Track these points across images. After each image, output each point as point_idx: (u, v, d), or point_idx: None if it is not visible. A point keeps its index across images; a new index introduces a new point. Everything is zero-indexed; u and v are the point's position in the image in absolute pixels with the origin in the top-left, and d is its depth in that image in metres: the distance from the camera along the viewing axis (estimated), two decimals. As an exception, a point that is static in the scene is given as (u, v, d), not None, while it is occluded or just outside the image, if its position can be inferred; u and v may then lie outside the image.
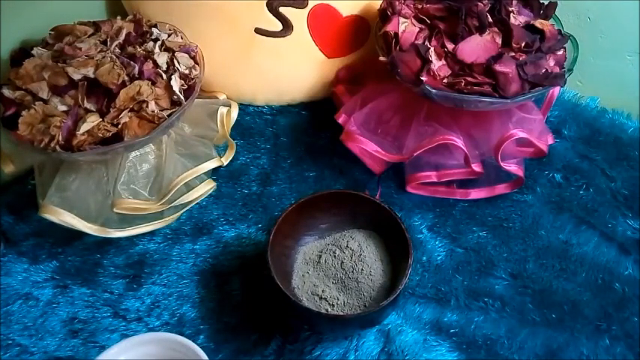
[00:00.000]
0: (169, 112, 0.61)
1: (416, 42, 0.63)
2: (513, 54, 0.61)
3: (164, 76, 0.62)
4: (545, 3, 0.67)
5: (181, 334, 0.55)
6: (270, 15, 0.75)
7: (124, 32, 0.64)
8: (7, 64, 0.63)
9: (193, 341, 0.49)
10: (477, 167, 0.65)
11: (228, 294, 0.62)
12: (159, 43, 0.65)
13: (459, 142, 0.63)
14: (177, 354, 0.50)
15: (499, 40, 0.62)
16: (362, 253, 0.58)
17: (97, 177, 0.63)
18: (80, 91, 0.58)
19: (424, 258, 0.65)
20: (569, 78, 0.62)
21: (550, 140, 0.67)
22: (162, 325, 0.60)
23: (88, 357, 0.58)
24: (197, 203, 0.69)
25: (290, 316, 0.59)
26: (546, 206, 0.69)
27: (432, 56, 0.61)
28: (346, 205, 0.60)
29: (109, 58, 0.60)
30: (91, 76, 0.58)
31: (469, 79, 0.59)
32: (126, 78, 0.59)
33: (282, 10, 0.74)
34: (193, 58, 0.66)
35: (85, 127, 0.56)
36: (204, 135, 0.70)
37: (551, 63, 0.63)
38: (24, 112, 0.57)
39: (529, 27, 0.63)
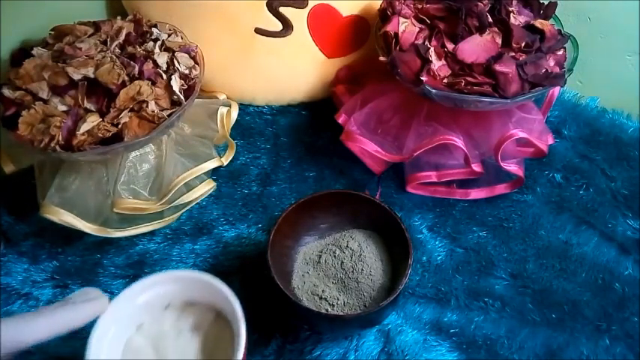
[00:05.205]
0: (169, 112, 0.61)
1: (416, 42, 0.63)
2: (513, 54, 0.61)
3: (164, 76, 0.62)
4: (545, 3, 0.67)
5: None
6: (270, 15, 0.75)
7: (124, 32, 0.64)
8: (7, 64, 0.63)
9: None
10: (477, 167, 0.65)
11: (228, 294, 0.62)
12: (159, 43, 0.65)
13: (459, 142, 0.63)
14: (200, 292, 0.50)
15: (499, 40, 0.62)
16: (362, 253, 0.58)
17: (97, 177, 0.63)
18: (80, 91, 0.58)
19: (424, 258, 0.65)
20: (569, 78, 0.62)
21: (550, 140, 0.68)
22: (163, 325, 0.60)
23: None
24: (197, 203, 0.69)
25: (290, 316, 0.59)
26: (546, 206, 0.69)
27: (432, 56, 0.61)
28: (346, 205, 0.60)
29: (109, 58, 0.60)
30: (91, 76, 0.58)
31: (469, 79, 0.59)
32: (126, 78, 0.59)
33: (282, 10, 0.74)
34: (193, 58, 0.66)
35: (85, 127, 0.56)
36: (204, 135, 0.70)
37: (551, 63, 0.63)
38: (24, 112, 0.57)
39: (529, 27, 0.63)
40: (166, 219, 0.65)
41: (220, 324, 0.50)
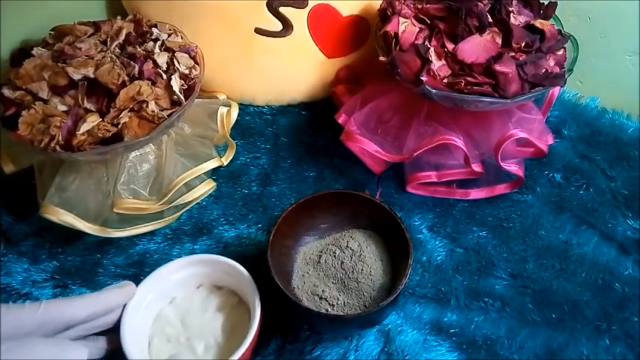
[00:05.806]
0: (169, 112, 0.61)
1: (416, 42, 0.63)
2: (513, 54, 0.61)
3: (164, 76, 0.62)
4: (545, 3, 0.67)
5: (181, 334, 0.55)
6: (270, 15, 0.75)
7: (124, 32, 0.64)
8: (7, 64, 0.63)
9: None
10: (477, 167, 0.65)
11: (228, 294, 0.62)
12: (159, 43, 0.65)
13: (459, 142, 0.63)
14: (225, 275, 0.55)
15: (499, 40, 0.62)
16: (362, 253, 0.58)
17: (97, 177, 0.63)
18: (80, 91, 0.58)
19: (424, 258, 0.65)
20: (569, 78, 0.62)
21: (550, 140, 0.68)
22: (163, 325, 0.60)
23: (88, 357, 0.58)
24: (197, 203, 0.69)
25: (290, 316, 0.59)
26: (546, 206, 0.69)
27: (432, 56, 0.61)
28: (346, 205, 0.60)
29: (109, 58, 0.60)
30: (91, 76, 0.58)
31: (469, 79, 0.59)
32: (126, 78, 0.59)
33: (282, 10, 0.74)
34: (193, 58, 0.66)
35: (85, 127, 0.56)
36: (204, 135, 0.70)
37: (551, 63, 0.63)
38: (24, 112, 0.57)
39: (529, 27, 0.63)
40: (166, 219, 0.65)
41: (242, 309, 0.56)
